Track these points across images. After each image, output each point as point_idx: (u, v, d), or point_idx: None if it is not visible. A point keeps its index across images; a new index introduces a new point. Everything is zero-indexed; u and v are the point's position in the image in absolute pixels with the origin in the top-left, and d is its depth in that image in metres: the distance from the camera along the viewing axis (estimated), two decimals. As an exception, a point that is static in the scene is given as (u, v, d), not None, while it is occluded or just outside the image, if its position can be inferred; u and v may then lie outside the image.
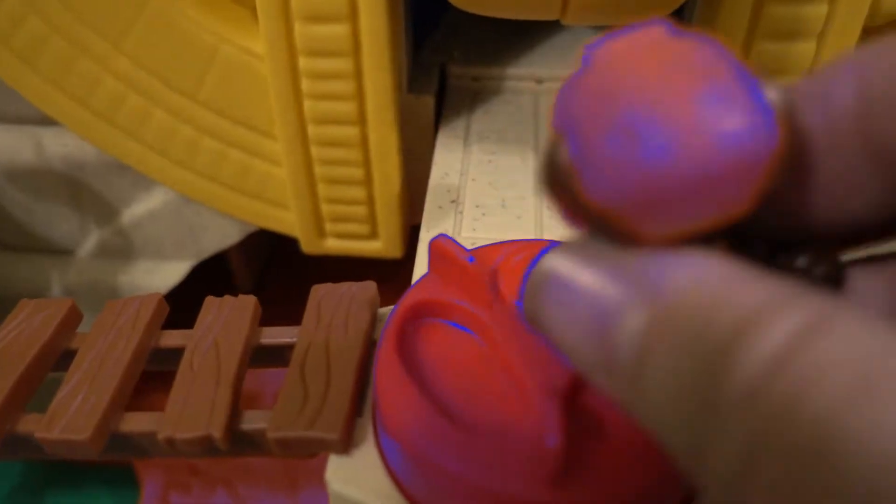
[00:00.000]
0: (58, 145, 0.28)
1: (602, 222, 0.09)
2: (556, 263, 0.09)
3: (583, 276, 0.09)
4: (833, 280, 0.09)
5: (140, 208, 0.30)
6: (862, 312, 0.07)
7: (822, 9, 0.22)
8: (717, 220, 0.08)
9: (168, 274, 0.31)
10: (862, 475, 0.06)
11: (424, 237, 0.23)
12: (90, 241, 0.31)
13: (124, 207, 0.30)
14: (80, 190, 0.30)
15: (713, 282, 0.07)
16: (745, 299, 0.07)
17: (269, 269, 0.40)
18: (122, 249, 0.31)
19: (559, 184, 0.09)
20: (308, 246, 0.30)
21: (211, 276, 0.33)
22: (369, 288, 0.21)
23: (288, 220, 0.29)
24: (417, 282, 0.19)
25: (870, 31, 0.23)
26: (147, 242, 0.31)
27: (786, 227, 0.09)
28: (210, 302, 0.21)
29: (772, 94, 0.08)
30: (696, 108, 0.08)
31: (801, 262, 0.09)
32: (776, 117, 0.08)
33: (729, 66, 0.08)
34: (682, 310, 0.07)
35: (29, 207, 0.30)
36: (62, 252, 0.31)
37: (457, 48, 0.30)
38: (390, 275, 0.30)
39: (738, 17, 0.22)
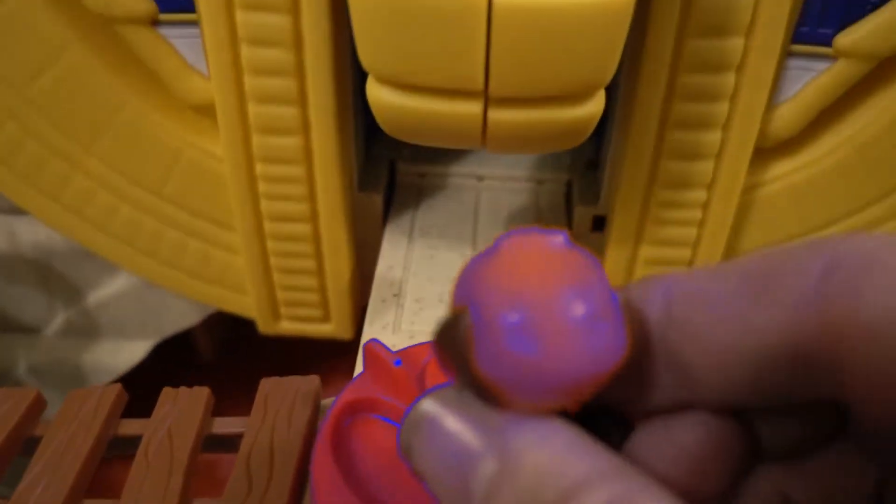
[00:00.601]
0: (29, 233, 0.30)
1: (481, 386, 0.10)
2: (432, 407, 0.11)
3: (452, 422, 0.11)
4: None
5: (105, 291, 0.32)
6: (662, 494, 0.09)
7: (717, 135, 0.25)
8: (569, 405, 0.10)
9: (131, 352, 0.33)
10: None
11: (367, 331, 0.26)
12: (57, 321, 0.33)
13: (90, 290, 0.32)
14: (48, 273, 0.31)
15: (555, 447, 0.10)
16: (572, 469, 0.09)
17: (230, 339, 0.42)
18: (87, 329, 0.33)
19: (454, 350, 0.11)
20: (264, 327, 0.32)
21: (174, 345, 0.35)
22: (313, 382, 0.23)
23: (246, 304, 0.31)
24: (354, 380, 0.21)
25: (761, 151, 0.26)
26: (111, 323, 0.32)
27: (619, 403, 0.11)
28: (166, 393, 0.23)
29: (626, 304, 0.10)
30: (568, 321, 0.10)
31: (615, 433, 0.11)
32: (627, 331, 0.10)
33: (599, 277, 0.10)
34: (524, 467, 0.10)
35: (-1, 289, 0.32)
36: (29, 331, 0.33)
37: (405, 146, 0.33)
38: (341, 347, 0.32)
39: (645, 142, 0.25)
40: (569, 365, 0.10)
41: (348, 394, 0.20)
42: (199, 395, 0.23)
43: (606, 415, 0.12)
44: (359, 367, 0.24)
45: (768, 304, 0.10)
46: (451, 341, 0.11)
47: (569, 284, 0.10)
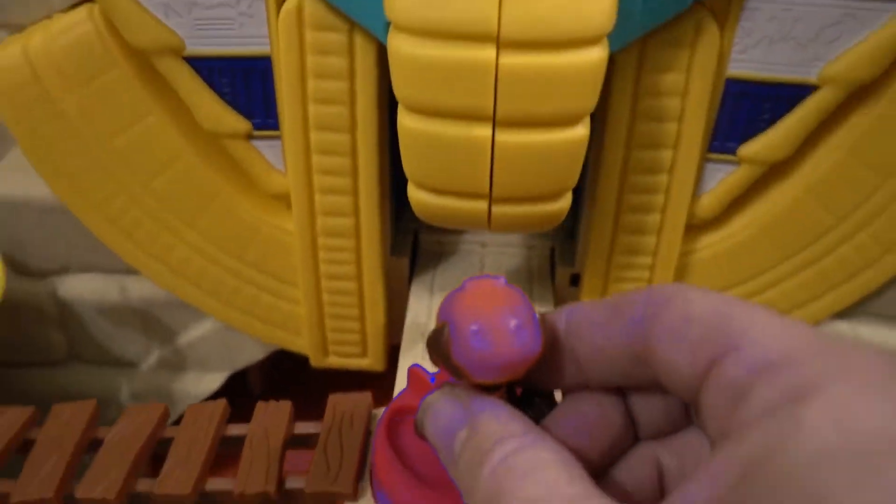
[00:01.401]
0: (137, 288, 0.39)
1: (456, 372, 0.19)
2: (434, 398, 0.19)
3: (445, 406, 0.19)
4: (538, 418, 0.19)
5: (193, 333, 0.41)
6: (551, 444, 0.16)
7: (658, 216, 0.34)
8: (510, 380, 0.18)
9: (210, 382, 0.41)
10: None
11: (403, 364, 0.34)
12: (152, 357, 0.42)
13: (181, 332, 0.41)
14: (149, 319, 0.40)
15: (499, 420, 0.17)
16: (503, 431, 0.16)
17: (278, 373, 0.51)
18: (176, 364, 0.42)
19: (439, 348, 0.19)
20: (315, 362, 0.41)
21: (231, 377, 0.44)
22: (367, 396, 0.32)
23: (301, 344, 0.40)
24: (399, 394, 0.29)
25: (691, 228, 0.35)
26: (196, 358, 0.41)
27: (549, 383, 0.20)
28: (259, 406, 0.32)
29: (544, 316, 0.19)
30: (499, 327, 0.18)
31: (534, 405, 0.19)
32: (543, 336, 0.18)
33: (525, 303, 0.19)
34: (481, 432, 0.16)
35: (109, 332, 0.41)
36: (129, 365, 0.42)
37: (425, 220, 0.42)
38: (373, 378, 0.41)
39: (606, 221, 0.34)
40: (505, 355, 0.17)
41: (397, 402, 0.29)
42: (285, 407, 0.32)
43: (540, 396, 0.20)
44: (398, 386, 0.33)
45: (619, 323, 0.17)
46: (437, 343, 0.18)
47: (506, 307, 0.17)
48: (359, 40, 0.31)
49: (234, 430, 0.31)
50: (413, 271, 0.40)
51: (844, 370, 0.13)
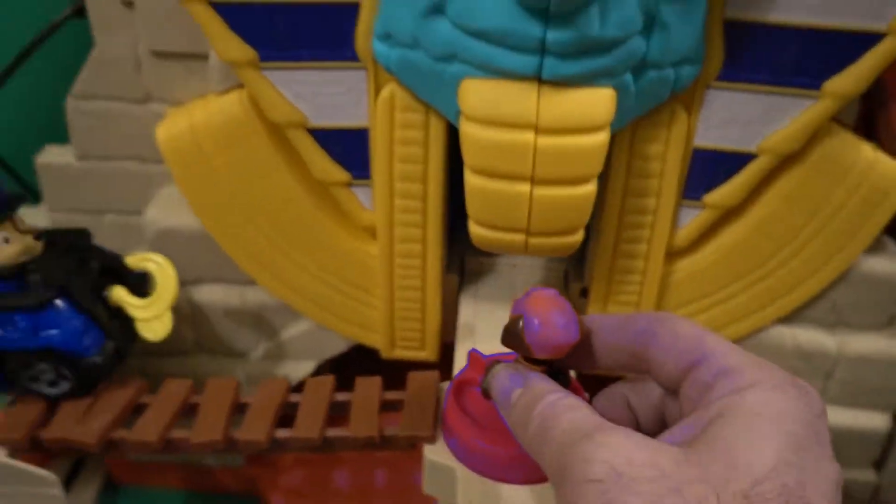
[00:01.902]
0: (254, 297, 0.52)
1: (524, 349, 0.31)
2: (498, 368, 0.30)
3: (505, 374, 0.29)
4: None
5: (293, 331, 0.53)
6: (576, 400, 0.29)
7: (644, 246, 0.47)
8: (555, 357, 0.31)
9: (304, 368, 0.54)
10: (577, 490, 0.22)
11: (459, 351, 0.47)
12: (260, 349, 0.54)
13: (283, 329, 0.54)
14: (260, 320, 0.53)
15: (543, 384, 0.28)
16: (546, 390, 0.27)
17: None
18: (278, 354, 0.54)
19: (515, 332, 0.31)
20: (385, 353, 0.53)
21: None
22: (435, 373, 0.44)
23: (375, 339, 0.53)
24: (461, 371, 0.42)
25: (670, 255, 0.48)
26: (294, 350, 0.54)
27: (576, 365, 0.32)
28: (359, 380, 0.44)
29: (580, 317, 0.31)
30: (556, 322, 0.30)
31: (560, 380, 0.32)
32: (580, 331, 0.31)
33: (569, 307, 0.31)
34: (531, 391, 0.27)
35: (228, 329, 0.54)
36: (242, 355, 0.55)
37: (471, 246, 0.55)
38: (423, 367, 0.53)
39: (607, 250, 0.47)
40: (558, 339, 0.29)
41: (460, 376, 0.41)
42: (376, 381, 0.44)
43: (563, 375, 0.32)
44: (457, 366, 0.46)
45: (627, 331, 0.27)
46: (514, 328, 0.29)
47: (558, 309, 0.30)
48: (433, 119, 0.43)
49: (341, 396, 0.44)
50: (461, 285, 0.53)
51: (763, 377, 0.23)
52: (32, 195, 0.62)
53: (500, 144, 0.38)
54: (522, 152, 0.38)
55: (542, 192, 0.39)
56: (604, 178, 0.45)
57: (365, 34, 0.42)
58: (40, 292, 0.41)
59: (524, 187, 0.39)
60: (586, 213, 0.40)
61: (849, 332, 0.51)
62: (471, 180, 0.40)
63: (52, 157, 0.53)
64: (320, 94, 0.44)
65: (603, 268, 0.48)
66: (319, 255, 0.50)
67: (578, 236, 0.42)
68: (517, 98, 0.37)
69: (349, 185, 0.47)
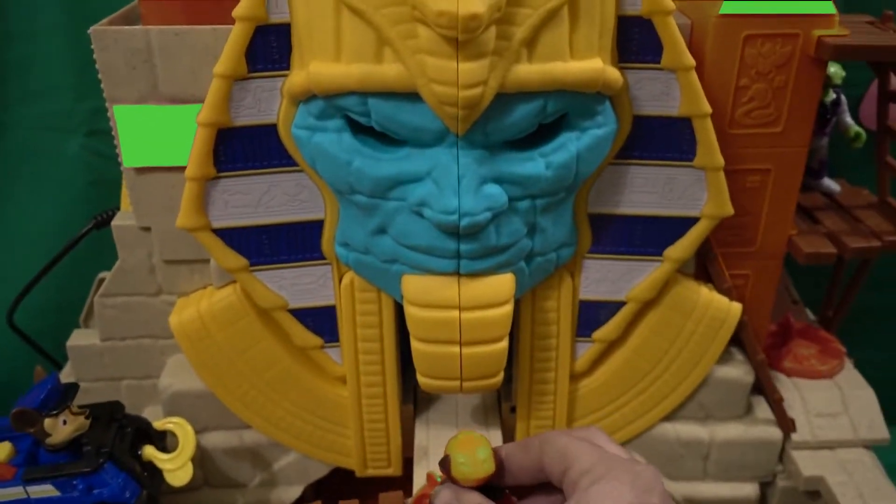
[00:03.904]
0: (249, 437, 0.65)
1: (454, 480, 0.44)
2: (439, 489, 0.44)
3: (445, 493, 0.43)
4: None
5: (283, 461, 0.66)
6: None
7: (553, 374, 0.61)
8: (478, 485, 0.44)
9: (294, 492, 0.66)
10: None
11: (417, 470, 0.60)
12: (257, 479, 0.66)
13: (275, 461, 0.66)
14: (255, 455, 0.66)
15: (473, 497, 0.43)
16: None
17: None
18: (271, 481, 0.66)
19: (445, 468, 0.44)
20: (359, 472, 0.66)
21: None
22: (400, 494, 0.57)
23: (350, 462, 0.66)
24: (421, 488, 0.55)
25: (574, 376, 0.63)
26: (284, 477, 0.66)
27: (502, 483, 0.45)
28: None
29: (495, 453, 0.45)
30: (477, 458, 0.45)
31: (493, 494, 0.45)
32: (496, 462, 0.44)
33: (486, 443, 0.46)
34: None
35: (230, 465, 0.66)
36: (242, 485, 0.67)
37: (420, 378, 0.68)
38: (391, 480, 0.66)
39: (525, 377, 0.61)
40: (476, 474, 0.42)
41: (421, 491, 0.55)
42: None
43: (495, 489, 0.46)
44: (416, 483, 0.59)
45: (528, 455, 0.41)
46: (444, 465, 0.42)
47: (480, 447, 0.43)
48: (383, 297, 0.58)
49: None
50: (416, 412, 0.67)
51: (605, 472, 0.37)
52: (54, 364, 0.75)
53: (434, 320, 0.52)
54: (451, 325, 0.52)
55: (468, 351, 0.53)
56: (515, 329, 0.60)
57: (329, 241, 0.56)
58: (92, 459, 0.53)
59: (455, 349, 0.53)
60: (502, 361, 0.55)
61: (716, 423, 0.66)
62: (416, 345, 0.53)
63: (79, 339, 0.65)
64: (297, 284, 0.58)
65: (524, 391, 0.63)
66: (302, 400, 0.63)
67: (499, 378, 0.56)
68: (443, 288, 0.51)
69: (322, 347, 0.61)
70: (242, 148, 0.52)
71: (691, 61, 0.49)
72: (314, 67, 0.46)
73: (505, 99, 0.45)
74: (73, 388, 0.54)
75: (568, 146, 0.49)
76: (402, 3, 0.42)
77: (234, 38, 0.48)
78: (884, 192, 0.69)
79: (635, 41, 0.49)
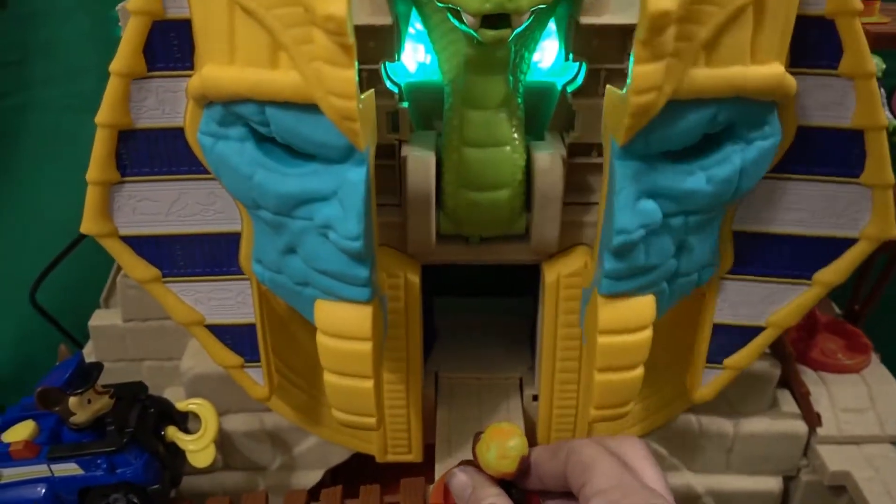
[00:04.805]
0: (270, 420, 0.65)
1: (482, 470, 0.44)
2: (455, 472, 0.44)
3: (462, 476, 0.43)
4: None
5: (304, 445, 0.66)
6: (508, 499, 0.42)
7: (574, 374, 0.61)
8: (503, 478, 0.43)
9: (314, 476, 0.66)
10: None
11: (439, 452, 0.60)
12: (277, 462, 0.66)
13: (296, 446, 0.66)
14: (276, 439, 0.66)
15: (484, 490, 0.41)
16: (488, 492, 0.41)
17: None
18: (291, 465, 0.66)
19: (475, 457, 0.45)
20: (380, 458, 0.66)
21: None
22: (422, 480, 0.57)
23: (372, 448, 0.65)
24: (443, 475, 0.54)
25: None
26: (304, 462, 0.66)
27: (526, 485, 0.45)
28: (363, 488, 0.57)
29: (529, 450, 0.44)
30: (507, 452, 0.44)
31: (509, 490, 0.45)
32: (522, 462, 0.43)
33: (519, 435, 0.45)
34: (474, 494, 0.42)
35: (250, 448, 0.66)
36: (262, 468, 0.67)
37: (443, 366, 0.68)
38: (411, 466, 0.66)
39: (549, 367, 0.61)
40: (500, 469, 0.42)
41: (441, 479, 0.54)
42: (375, 489, 0.57)
43: (515, 487, 0.45)
44: (437, 469, 0.59)
45: (555, 461, 0.41)
46: (474, 453, 0.44)
47: (507, 440, 0.44)
48: (409, 279, 0.57)
49: (349, 503, 0.56)
50: (437, 398, 0.66)
51: (620, 497, 0.36)
52: (75, 343, 0.75)
53: (346, 352, 0.47)
54: (363, 358, 0.47)
55: (602, 378, 0.50)
56: (539, 317, 0.59)
57: (246, 255, 0.51)
58: (116, 439, 0.53)
59: (368, 384, 0.48)
60: (637, 390, 0.51)
61: (741, 416, 0.65)
62: (327, 378, 0.48)
63: (100, 320, 0.65)
64: (214, 298, 0.53)
65: (547, 379, 0.62)
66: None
67: (629, 408, 0.53)
68: (356, 318, 0.46)
69: (243, 367, 0.57)
70: (148, 152, 0.47)
71: (873, 68, 0.45)
72: (207, 70, 0.42)
73: (674, 106, 0.40)
74: (97, 368, 0.54)
75: (732, 159, 0.44)
76: (295, 4, 0.37)
77: (129, 33, 0.44)
78: (916, 185, 0.68)
79: (812, 44, 0.44)
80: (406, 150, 0.53)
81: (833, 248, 0.51)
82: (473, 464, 0.44)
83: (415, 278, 0.56)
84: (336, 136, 0.40)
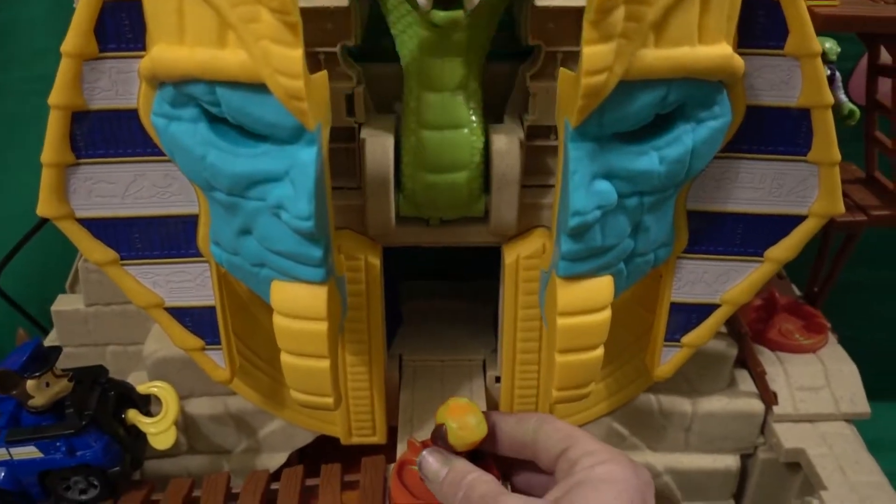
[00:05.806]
0: (234, 404, 0.65)
1: (448, 447, 0.45)
2: (427, 453, 0.45)
3: (433, 459, 0.45)
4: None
5: (268, 429, 0.66)
6: (489, 478, 0.43)
7: (535, 355, 0.61)
8: (470, 449, 0.45)
9: (278, 459, 0.66)
10: None
11: (401, 437, 0.60)
12: (241, 445, 0.67)
13: (260, 429, 0.66)
14: (240, 422, 0.66)
15: (464, 465, 0.43)
16: (465, 469, 0.43)
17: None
18: (256, 448, 0.67)
19: (440, 436, 0.45)
20: (345, 440, 0.66)
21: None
22: (382, 458, 0.57)
23: (336, 430, 0.66)
24: (402, 454, 0.55)
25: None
26: (269, 444, 0.67)
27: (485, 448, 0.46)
28: (323, 467, 0.57)
29: (486, 418, 0.45)
30: (470, 424, 0.45)
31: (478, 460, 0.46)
32: (486, 428, 0.45)
33: (477, 410, 0.46)
34: (454, 471, 0.43)
35: (214, 431, 0.66)
36: (227, 452, 0.67)
37: (406, 348, 0.68)
38: (376, 448, 0.66)
39: (510, 349, 0.62)
40: (471, 438, 0.44)
41: (401, 458, 0.55)
42: (336, 467, 0.57)
43: (479, 457, 0.46)
44: (399, 451, 0.59)
45: (521, 427, 0.43)
46: (438, 433, 0.45)
47: (469, 413, 0.46)
48: (369, 261, 0.57)
49: (310, 481, 0.57)
50: (401, 380, 0.67)
51: (610, 457, 0.38)
52: (40, 329, 0.75)
53: (301, 332, 0.47)
54: (319, 338, 0.47)
55: (563, 359, 0.50)
56: (500, 297, 0.60)
57: (204, 237, 0.51)
58: (75, 421, 0.53)
59: (325, 363, 0.49)
60: (597, 371, 0.51)
61: (699, 395, 0.66)
62: (284, 358, 0.49)
63: (63, 304, 0.65)
64: (172, 281, 0.53)
65: (509, 361, 0.63)
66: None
67: (590, 389, 0.52)
68: (311, 297, 0.47)
69: (204, 349, 0.57)
70: (102, 133, 0.48)
71: (818, 47, 0.45)
72: (157, 51, 0.42)
73: (625, 87, 0.41)
74: (55, 351, 0.54)
75: (683, 139, 0.45)
76: None
77: (79, 13, 0.44)
78: (871, 167, 0.69)
79: (759, 24, 0.45)
80: (364, 133, 0.53)
81: (783, 225, 0.53)
82: (437, 445, 0.45)
83: (375, 261, 0.57)
84: (285, 117, 0.40)
